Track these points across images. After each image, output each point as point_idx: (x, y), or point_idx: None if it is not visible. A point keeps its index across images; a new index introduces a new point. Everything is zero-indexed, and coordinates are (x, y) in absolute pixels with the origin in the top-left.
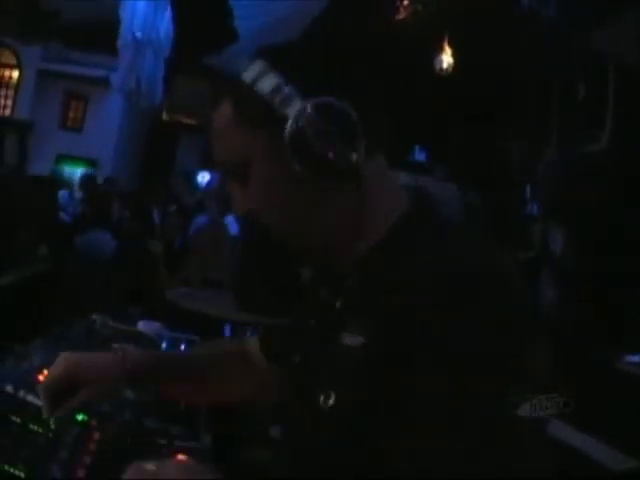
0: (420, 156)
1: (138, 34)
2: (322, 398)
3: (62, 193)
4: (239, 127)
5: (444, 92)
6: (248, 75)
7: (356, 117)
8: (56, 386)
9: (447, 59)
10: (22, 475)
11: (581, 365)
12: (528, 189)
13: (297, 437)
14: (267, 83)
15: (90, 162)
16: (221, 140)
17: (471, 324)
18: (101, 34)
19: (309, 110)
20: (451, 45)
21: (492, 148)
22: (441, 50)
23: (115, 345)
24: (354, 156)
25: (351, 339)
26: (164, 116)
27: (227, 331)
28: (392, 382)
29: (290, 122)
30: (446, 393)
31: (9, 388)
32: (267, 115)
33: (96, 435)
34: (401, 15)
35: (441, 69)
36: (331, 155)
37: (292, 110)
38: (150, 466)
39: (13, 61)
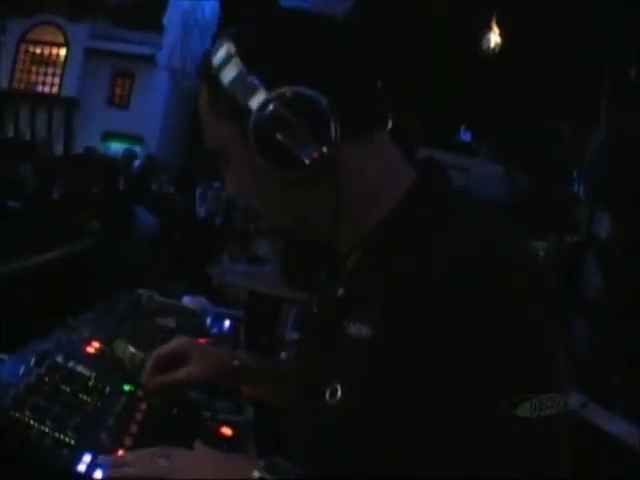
0: (465, 136)
1: (184, 12)
2: (328, 393)
3: None
4: (212, 115)
5: (491, 73)
6: (216, 59)
7: (327, 105)
8: (165, 356)
9: (495, 38)
10: (72, 442)
11: (627, 351)
12: (575, 171)
13: (304, 429)
14: (230, 71)
15: (136, 139)
16: (204, 125)
17: (479, 315)
18: (147, 12)
19: (271, 103)
20: (499, 25)
21: (539, 130)
22: (489, 29)
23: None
24: (323, 147)
25: (356, 329)
26: None
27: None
28: (396, 377)
29: (252, 116)
30: (449, 389)
31: (59, 359)
32: (232, 108)
33: (142, 405)
34: None
35: (488, 48)
36: (296, 150)
37: (255, 103)
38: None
39: (61, 39)
